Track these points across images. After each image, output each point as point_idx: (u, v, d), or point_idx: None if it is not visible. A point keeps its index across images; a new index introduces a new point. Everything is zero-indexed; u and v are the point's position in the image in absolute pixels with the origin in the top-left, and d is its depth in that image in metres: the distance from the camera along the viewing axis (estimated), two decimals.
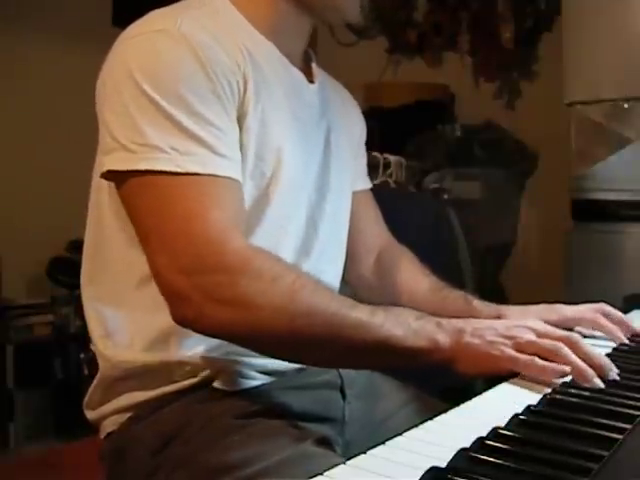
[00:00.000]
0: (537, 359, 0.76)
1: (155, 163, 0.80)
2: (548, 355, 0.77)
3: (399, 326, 0.78)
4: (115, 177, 0.84)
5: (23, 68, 2.89)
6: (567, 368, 0.75)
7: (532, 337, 0.79)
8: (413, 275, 1.16)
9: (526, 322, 0.83)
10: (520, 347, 0.78)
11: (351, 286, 1.20)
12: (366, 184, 1.21)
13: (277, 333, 0.78)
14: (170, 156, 0.80)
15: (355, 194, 1.15)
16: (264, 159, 0.90)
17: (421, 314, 0.82)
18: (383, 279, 1.18)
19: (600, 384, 0.75)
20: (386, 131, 2.54)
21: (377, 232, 1.20)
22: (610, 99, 2.05)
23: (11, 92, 2.87)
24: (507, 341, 0.78)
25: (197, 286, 0.78)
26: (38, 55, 2.90)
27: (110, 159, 0.83)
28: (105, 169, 0.84)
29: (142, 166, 0.80)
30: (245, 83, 0.88)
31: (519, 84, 3.10)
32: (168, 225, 0.80)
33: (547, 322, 0.98)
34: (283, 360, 0.88)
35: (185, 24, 0.85)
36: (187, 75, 0.83)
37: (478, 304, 1.09)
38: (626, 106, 2.03)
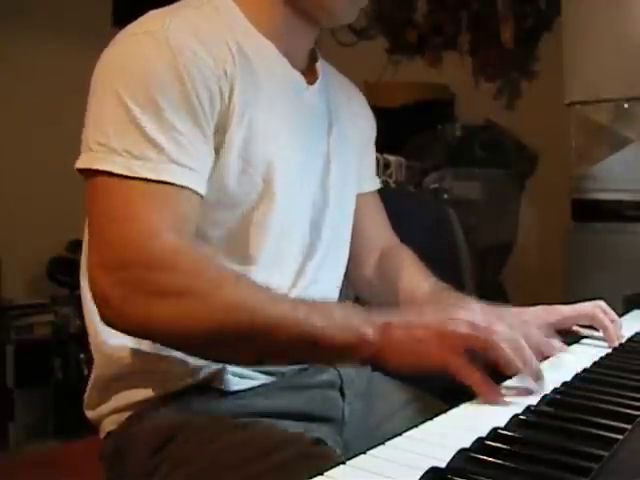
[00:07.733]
0: (472, 367, 0.71)
1: (108, 164, 0.80)
2: (484, 347, 0.71)
3: (324, 320, 0.75)
4: (82, 175, 0.84)
5: (23, 68, 2.89)
6: (508, 399, 0.70)
7: (468, 330, 0.72)
8: (414, 277, 1.13)
9: (463, 314, 0.75)
10: (454, 342, 0.72)
11: (353, 287, 1.19)
12: (373, 185, 1.18)
13: (196, 328, 0.76)
14: (124, 159, 0.79)
15: (362, 196, 1.13)
16: (252, 165, 0.88)
17: (351, 308, 0.78)
18: (384, 280, 1.15)
19: (539, 388, 0.71)
20: (386, 131, 2.53)
21: (379, 233, 1.18)
22: (610, 99, 2.05)
23: (11, 92, 2.87)
24: (439, 335, 0.72)
25: (117, 282, 0.77)
26: (38, 55, 2.90)
27: (80, 157, 0.83)
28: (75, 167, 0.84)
29: (96, 166, 0.80)
30: (231, 89, 0.86)
31: (519, 84, 3.10)
32: (108, 226, 0.79)
33: (547, 323, 0.99)
34: (204, 359, 0.86)
35: (173, 26, 0.84)
36: (160, 80, 0.81)
37: None
38: (626, 106, 2.03)
